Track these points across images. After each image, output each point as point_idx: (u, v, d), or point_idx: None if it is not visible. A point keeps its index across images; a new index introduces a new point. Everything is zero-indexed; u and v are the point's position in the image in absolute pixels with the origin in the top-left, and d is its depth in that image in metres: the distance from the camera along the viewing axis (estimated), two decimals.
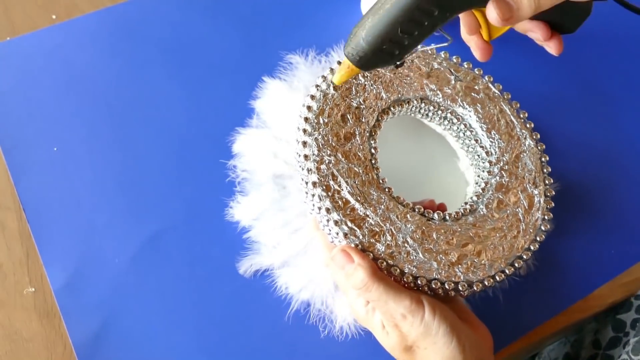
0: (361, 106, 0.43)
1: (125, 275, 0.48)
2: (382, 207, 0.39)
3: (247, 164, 0.52)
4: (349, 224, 0.38)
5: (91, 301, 0.46)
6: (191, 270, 0.48)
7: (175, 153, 0.54)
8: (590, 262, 0.52)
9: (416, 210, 0.40)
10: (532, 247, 0.41)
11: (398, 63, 0.35)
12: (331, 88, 0.42)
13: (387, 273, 0.38)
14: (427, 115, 0.47)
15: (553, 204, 0.45)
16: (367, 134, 0.42)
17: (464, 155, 0.53)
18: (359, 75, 0.44)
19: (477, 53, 0.40)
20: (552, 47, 0.40)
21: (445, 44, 0.38)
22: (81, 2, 0.65)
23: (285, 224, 0.49)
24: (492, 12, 0.34)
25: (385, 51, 0.34)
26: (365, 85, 0.43)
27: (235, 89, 0.58)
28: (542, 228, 0.43)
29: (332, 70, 0.44)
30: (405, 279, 0.38)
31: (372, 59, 0.34)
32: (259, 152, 0.52)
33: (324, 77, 0.43)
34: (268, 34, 0.64)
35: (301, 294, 0.47)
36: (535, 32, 0.39)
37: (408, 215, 0.40)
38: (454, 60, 0.48)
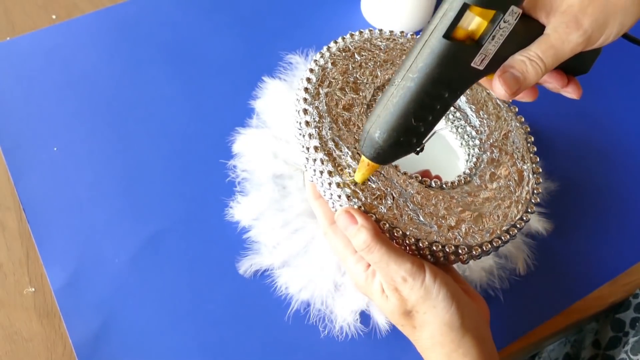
0: (358, 81, 0.44)
1: (125, 275, 0.48)
2: (383, 171, 0.40)
3: (247, 164, 0.52)
4: (352, 186, 0.38)
5: (91, 301, 0.46)
6: (191, 270, 0.48)
7: (175, 153, 0.54)
8: (590, 262, 0.52)
9: (414, 177, 0.41)
10: (524, 218, 0.43)
11: (418, 149, 0.35)
12: (329, 63, 0.44)
13: (389, 235, 0.38)
14: None
15: (541, 181, 0.46)
16: (365, 107, 0.43)
17: (463, 155, 0.54)
18: (356, 53, 0.45)
19: (524, 99, 0.40)
20: (571, 92, 0.40)
21: (447, 128, 0.39)
22: (81, 2, 0.65)
23: (285, 224, 0.49)
24: (499, 89, 0.35)
25: (403, 142, 0.34)
26: (361, 63, 0.45)
27: (235, 89, 0.58)
28: (533, 201, 0.44)
29: (336, 42, 0.45)
30: (407, 241, 0.38)
31: (391, 153, 0.34)
32: (259, 152, 0.52)
33: (322, 54, 0.44)
34: (268, 34, 0.64)
35: (301, 294, 0.47)
36: (551, 82, 0.39)
37: (408, 182, 0.41)
38: None
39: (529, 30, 0.35)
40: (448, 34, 0.31)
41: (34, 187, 0.51)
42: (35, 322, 0.46)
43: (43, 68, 0.59)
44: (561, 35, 0.34)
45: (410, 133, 0.33)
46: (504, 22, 0.32)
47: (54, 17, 0.64)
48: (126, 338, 0.45)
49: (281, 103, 0.54)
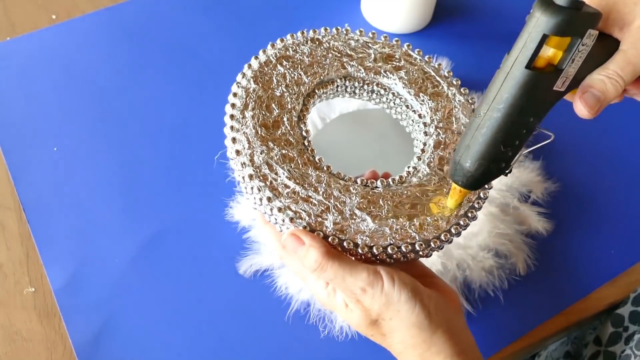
0: (284, 94, 0.43)
1: (125, 275, 0.48)
2: (323, 184, 0.39)
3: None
4: (293, 207, 0.38)
5: (91, 301, 0.46)
6: (191, 270, 0.48)
7: (175, 153, 0.54)
8: (590, 262, 0.52)
9: (358, 182, 0.41)
10: (482, 195, 0.41)
11: (507, 172, 0.37)
12: (252, 82, 0.43)
13: (341, 249, 0.38)
14: (354, 92, 0.48)
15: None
16: (296, 119, 0.42)
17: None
18: (278, 64, 0.44)
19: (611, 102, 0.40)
20: None
21: (549, 140, 0.39)
22: (81, 2, 0.65)
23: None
24: (581, 110, 0.36)
25: (493, 169, 0.35)
26: (285, 73, 0.44)
27: None
28: None
29: (256, 57, 0.45)
30: (360, 250, 0.38)
31: (482, 179, 0.36)
32: None
33: (244, 74, 0.44)
34: (268, 34, 0.63)
35: (301, 294, 0.47)
36: (631, 89, 0.39)
37: (351, 189, 0.40)
38: (370, 35, 0.48)
39: (604, 46, 0.35)
40: (530, 65, 0.32)
41: (34, 187, 0.51)
42: (35, 322, 0.46)
43: (43, 68, 0.59)
44: (639, 52, 0.34)
45: (499, 159, 0.35)
46: (582, 45, 0.33)
47: (54, 17, 0.64)
48: (126, 338, 0.45)
49: None
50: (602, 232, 0.54)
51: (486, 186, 0.42)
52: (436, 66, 0.47)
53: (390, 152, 0.55)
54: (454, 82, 0.47)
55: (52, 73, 0.58)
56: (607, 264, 0.52)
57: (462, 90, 0.47)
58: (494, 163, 0.35)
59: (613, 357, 0.51)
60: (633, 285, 0.52)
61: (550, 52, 0.33)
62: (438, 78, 0.47)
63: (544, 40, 0.31)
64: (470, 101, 0.46)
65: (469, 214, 0.41)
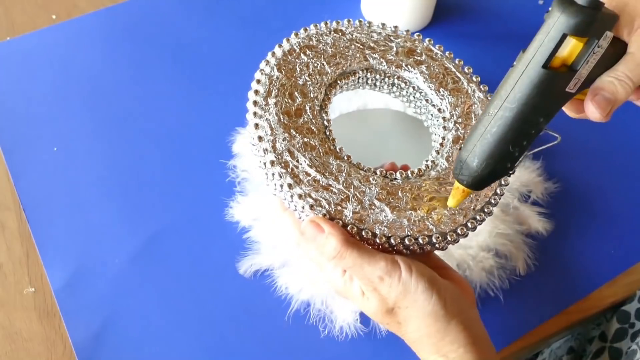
0: (307, 82, 0.43)
1: (125, 275, 0.48)
2: (344, 174, 0.40)
3: (247, 164, 0.52)
4: (313, 195, 0.38)
5: (91, 301, 0.46)
6: (191, 270, 0.48)
7: (175, 153, 0.54)
8: (590, 262, 0.52)
9: (378, 173, 0.41)
10: (499, 192, 0.42)
11: (511, 172, 0.37)
12: (275, 70, 0.43)
13: (359, 238, 0.38)
14: (374, 84, 0.48)
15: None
16: (318, 108, 0.43)
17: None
18: (302, 53, 0.44)
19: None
20: None
21: (556, 142, 0.39)
22: (81, 2, 0.65)
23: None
24: (593, 112, 0.36)
25: (499, 169, 0.35)
26: (308, 63, 0.44)
27: (235, 89, 0.58)
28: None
29: (280, 45, 0.45)
30: (378, 240, 0.38)
31: (487, 179, 0.35)
32: None
33: (267, 61, 0.44)
34: (268, 34, 0.64)
35: (301, 294, 0.47)
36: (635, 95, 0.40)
37: (371, 179, 0.40)
38: (392, 29, 0.48)
39: (613, 48, 0.35)
40: (547, 64, 0.32)
41: (34, 187, 0.51)
42: (35, 322, 0.46)
43: (43, 68, 0.59)
44: None
45: (506, 159, 0.35)
46: (598, 47, 0.33)
47: (54, 17, 0.64)
48: (126, 338, 0.45)
49: None
50: (602, 232, 0.54)
51: (503, 182, 0.42)
52: (457, 62, 0.48)
53: (390, 152, 0.55)
54: (474, 79, 0.47)
55: (52, 73, 0.58)
56: (607, 264, 0.52)
57: (481, 87, 0.47)
58: (501, 163, 0.35)
59: (619, 353, 0.51)
60: (633, 285, 0.52)
61: (565, 53, 0.32)
62: (458, 74, 0.47)
63: (563, 39, 0.31)
64: (489, 98, 0.46)
65: (485, 209, 0.41)
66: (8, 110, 0.55)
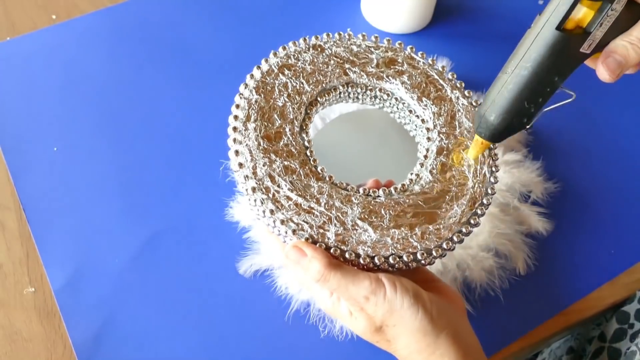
0: (286, 104, 0.43)
1: (125, 275, 0.48)
2: (325, 196, 0.40)
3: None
4: (295, 219, 0.38)
5: (91, 301, 0.46)
6: (191, 270, 0.48)
7: (175, 153, 0.54)
8: (590, 262, 0.52)
9: (360, 191, 0.41)
10: (485, 201, 0.41)
11: (528, 127, 0.39)
12: (254, 93, 0.43)
13: (343, 259, 0.38)
14: (357, 98, 0.48)
15: (498, 156, 0.45)
16: (297, 129, 0.42)
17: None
18: (280, 73, 0.44)
19: (630, 71, 0.41)
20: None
21: (570, 100, 0.40)
22: (81, 2, 0.65)
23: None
24: (603, 74, 0.37)
25: (515, 123, 0.38)
26: (287, 82, 0.44)
27: (235, 89, 0.58)
28: (492, 180, 0.43)
29: (258, 67, 0.45)
30: (362, 261, 0.38)
31: (504, 132, 0.38)
32: None
33: (246, 84, 0.44)
34: (268, 33, 0.64)
35: (301, 294, 0.47)
36: None
37: (353, 199, 0.40)
38: (373, 39, 0.48)
39: (629, 12, 0.36)
40: (560, 26, 0.34)
41: (34, 187, 0.51)
42: (35, 322, 0.46)
43: (43, 68, 0.59)
44: None
45: (522, 115, 0.37)
46: (612, 10, 0.34)
47: (54, 17, 0.64)
48: (126, 338, 0.45)
49: None
50: (602, 232, 0.54)
51: (489, 191, 0.42)
52: (440, 69, 0.47)
53: (390, 151, 0.55)
54: (458, 85, 0.47)
55: (52, 73, 0.58)
56: (607, 264, 0.52)
57: (466, 93, 0.46)
58: (517, 118, 0.37)
59: (618, 354, 0.51)
60: (633, 285, 0.52)
61: (580, 15, 0.34)
62: (441, 81, 0.47)
63: (576, 3, 0.33)
64: (474, 104, 0.46)
65: (472, 221, 0.41)
66: (8, 110, 0.55)
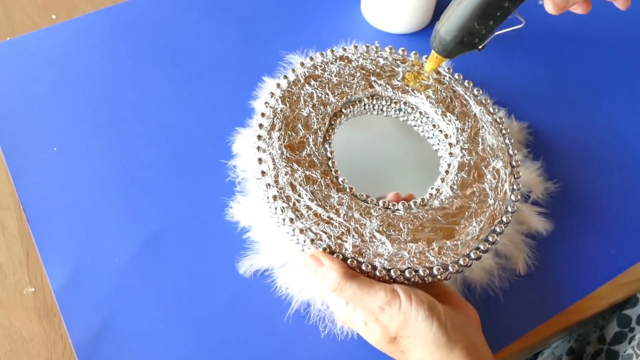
0: (311, 114, 0.44)
1: (125, 275, 0.48)
2: (344, 207, 0.40)
3: (247, 164, 0.52)
4: (314, 229, 0.39)
5: (91, 301, 0.46)
6: (191, 271, 0.48)
7: (175, 153, 0.54)
8: (590, 262, 0.52)
9: (380, 204, 0.41)
10: (504, 219, 0.42)
11: (480, 47, 0.40)
12: (280, 102, 0.44)
13: (359, 270, 0.38)
14: (381, 110, 0.48)
15: (520, 174, 0.45)
16: (321, 140, 0.43)
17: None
18: (306, 84, 0.45)
19: (577, 11, 0.42)
20: (620, 3, 0.41)
21: (520, 26, 0.41)
22: (81, 2, 0.65)
23: None
24: (548, 5, 0.38)
25: (466, 41, 0.40)
26: (312, 93, 0.44)
27: (235, 89, 0.58)
28: (512, 198, 0.43)
29: (285, 77, 0.46)
30: (378, 273, 0.38)
31: (455, 49, 0.41)
32: None
33: (272, 94, 0.44)
34: (268, 34, 0.64)
35: (301, 294, 0.47)
36: None
37: (372, 211, 0.40)
38: (400, 53, 0.48)
39: None
40: None
41: (34, 187, 0.51)
42: (35, 322, 0.46)
43: (43, 68, 0.59)
44: None
45: (473, 34, 0.40)
46: None
47: (54, 17, 0.64)
48: (126, 338, 0.45)
49: None
50: (602, 232, 0.54)
51: (509, 209, 0.42)
52: (466, 84, 0.47)
53: (395, 155, 0.54)
54: (483, 101, 0.47)
55: (52, 73, 0.58)
56: (607, 264, 0.52)
57: (491, 109, 0.47)
58: (468, 37, 0.40)
59: (615, 356, 0.51)
60: (633, 285, 0.52)
61: None
62: (466, 97, 0.47)
63: None
64: (498, 120, 0.46)
65: (490, 239, 0.41)
66: (8, 110, 0.55)
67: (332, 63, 0.46)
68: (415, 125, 0.49)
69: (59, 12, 0.64)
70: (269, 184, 0.40)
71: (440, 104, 0.46)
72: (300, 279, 0.47)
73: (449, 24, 0.40)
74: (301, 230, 0.38)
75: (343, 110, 0.45)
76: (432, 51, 0.42)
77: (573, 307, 0.50)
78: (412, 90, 0.47)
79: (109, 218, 0.50)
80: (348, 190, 0.41)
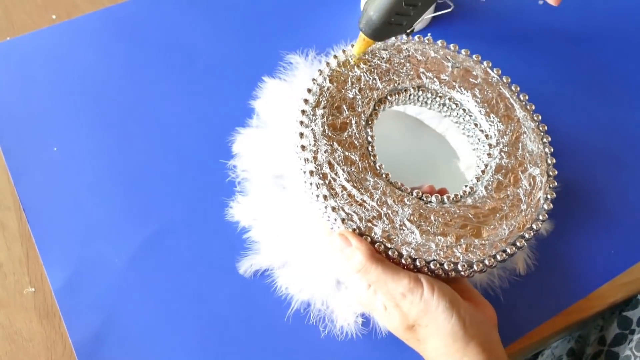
0: (357, 97, 0.44)
1: (125, 275, 0.48)
2: (379, 192, 0.40)
3: (247, 164, 0.52)
4: (346, 209, 0.39)
5: (91, 301, 0.46)
6: (191, 270, 0.48)
7: (175, 153, 0.54)
8: (590, 262, 0.52)
9: (414, 194, 0.41)
10: (534, 226, 0.42)
11: (408, 31, 0.40)
12: (327, 81, 0.43)
13: (385, 256, 0.38)
14: (425, 102, 0.48)
15: (556, 183, 0.45)
16: (364, 123, 0.43)
17: (464, 155, 0.53)
18: (355, 67, 0.45)
19: (549, 1, 0.41)
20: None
21: (449, 10, 0.40)
22: (81, 2, 0.65)
23: (286, 224, 0.49)
24: None
25: (394, 23, 0.39)
26: (360, 76, 0.44)
27: (235, 89, 0.58)
28: (545, 207, 0.43)
29: (335, 56, 0.46)
30: (404, 261, 0.38)
31: (383, 30, 0.40)
32: (259, 152, 0.52)
33: (321, 71, 0.44)
34: (268, 33, 0.64)
35: (301, 294, 0.47)
36: None
37: (405, 199, 0.40)
38: (452, 48, 0.48)
39: None
40: None
41: (34, 187, 0.51)
42: (35, 322, 0.46)
43: (43, 68, 0.58)
44: None
45: (400, 15, 0.39)
46: None
47: (54, 17, 0.64)
48: (126, 338, 0.45)
49: (281, 103, 0.54)
50: (602, 232, 0.54)
51: (540, 217, 0.42)
52: (513, 89, 0.47)
53: (401, 154, 0.54)
54: (528, 107, 0.47)
55: (52, 73, 0.58)
56: (607, 264, 0.52)
57: (534, 116, 0.46)
58: (395, 17, 0.39)
59: (616, 357, 0.51)
60: (633, 285, 0.52)
61: None
62: (512, 100, 0.47)
63: None
64: (540, 128, 0.46)
65: (517, 243, 0.41)
66: (8, 110, 0.55)
67: (383, 49, 0.46)
68: (456, 123, 0.49)
69: (59, 12, 0.64)
70: (307, 159, 0.40)
71: (485, 104, 0.46)
72: (300, 279, 0.47)
73: (377, 3, 0.39)
74: (333, 208, 0.39)
75: (388, 97, 0.45)
76: (360, 33, 0.41)
77: (573, 307, 0.50)
78: (459, 87, 0.47)
79: (109, 218, 0.50)
80: (384, 176, 0.41)
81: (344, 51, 0.45)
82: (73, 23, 0.63)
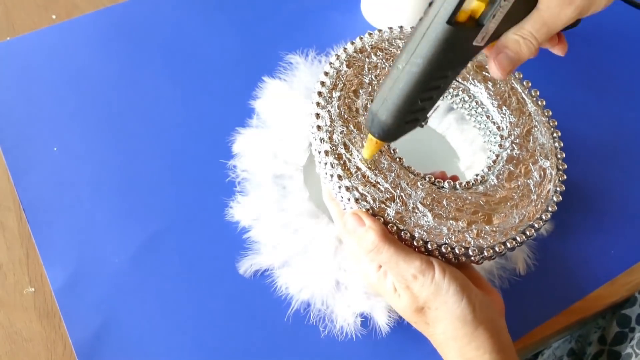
0: (373, 82, 0.44)
1: (125, 275, 0.48)
2: (393, 174, 0.40)
3: (247, 164, 0.52)
4: (360, 189, 0.39)
5: (91, 301, 0.46)
6: (191, 270, 0.48)
7: (175, 153, 0.54)
8: (590, 262, 0.52)
9: (427, 179, 0.41)
10: (543, 217, 0.42)
11: (424, 123, 0.37)
12: (344, 66, 0.44)
13: (397, 237, 0.39)
14: None
15: (565, 177, 0.45)
16: None
17: (464, 155, 0.53)
18: (372, 53, 0.45)
19: (557, 51, 0.40)
20: (558, 50, 0.40)
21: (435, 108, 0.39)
22: (81, 2, 0.65)
23: (285, 223, 0.49)
24: (494, 71, 0.36)
25: (409, 120, 0.35)
26: (377, 63, 0.45)
27: (235, 89, 0.58)
28: (554, 199, 0.43)
29: (352, 42, 0.46)
30: (415, 243, 0.39)
31: (398, 131, 0.36)
32: (259, 152, 0.52)
33: (338, 55, 0.44)
34: (268, 34, 0.64)
35: (301, 294, 0.47)
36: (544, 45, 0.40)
37: (419, 183, 0.41)
38: None
39: (522, 2, 0.35)
40: (451, 20, 0.31)
41: (34, 187, 0.51)
42: (35, 322, 0.46)
43: (43, 68, 0.59)
44: (554, 12, 0.34)
45: (415, 112, 0.35)
46: (505, 0, 0.32)
47: (54, 17, 0.64)
48: (126, 338, 0.45)
49: (281, 103, 0.54)
50: (602, 232, 0.54)
51: (549, 208, 0.43)
52: (525, 84, 0.48)
53: (400, 154, 0.54)
54: (539, 103, 0.47)
55: (52, 73, 0.58)
56: (607, 264, 0.52)
57: (545, 111, 0.47)
58: (410, 115, 0.35)
59: (617, 356, 0.51)
60: (633, 285, 0.52)
61: (472, 6, 0.32)
62: (524, 95, 0.47)
63: None
64: (550, 123, 0.47)
65: (527, 232, 0.41)
66: (8, 110, 0.55)
67: (399, 39, 0.46)
68: (468, 114, 0.49)
69: (59, 12, 0.64)
70: (322, 139, 0.40)
71: (498, 97, 0.47)
72: (300, 279, 0.47)
73: (388, 106, 0.34)
74: (347, 188, 0.39)
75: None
76: (370, 136, 0.37)
77: (573, 307, 0.50)
78: (473, 79, 0.46)
79: (109, 218, 0.50)
80: (398, 160, 0.42)
81: (361, 38, 0.45)
82: (73, 23, 0.63)
